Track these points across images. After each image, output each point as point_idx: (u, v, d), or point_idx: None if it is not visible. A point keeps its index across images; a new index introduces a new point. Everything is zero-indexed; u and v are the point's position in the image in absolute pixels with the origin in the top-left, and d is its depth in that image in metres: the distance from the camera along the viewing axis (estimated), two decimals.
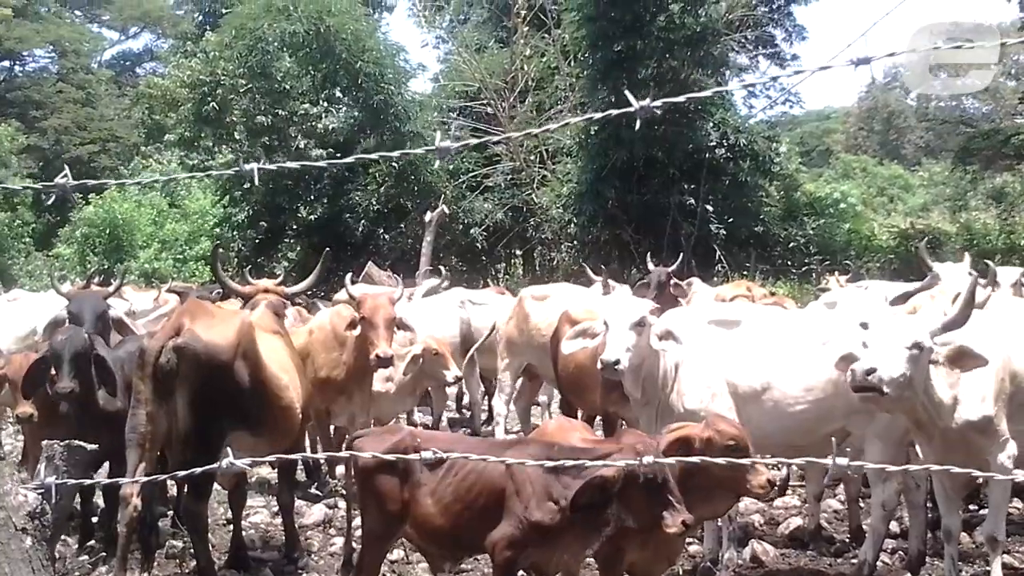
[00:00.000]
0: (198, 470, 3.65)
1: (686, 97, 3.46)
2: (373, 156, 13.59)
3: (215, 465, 3.39)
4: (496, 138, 19.03)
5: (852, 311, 6.83)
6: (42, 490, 3.48)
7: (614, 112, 3.28)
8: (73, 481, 3.77)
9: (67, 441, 3.90)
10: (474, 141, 9.63)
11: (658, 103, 3.09)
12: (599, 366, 6.47)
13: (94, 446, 4.39)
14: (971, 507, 8.11)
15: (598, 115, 3.66)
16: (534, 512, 4.71)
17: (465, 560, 6.10)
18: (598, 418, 9.09)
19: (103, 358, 7.12)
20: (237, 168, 3.33)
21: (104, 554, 7.24)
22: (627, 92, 3.16)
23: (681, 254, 17.87)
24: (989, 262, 8.36)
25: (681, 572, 6.80)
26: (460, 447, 4.93)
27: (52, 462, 3.63)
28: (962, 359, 5.45)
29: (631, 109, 3.08)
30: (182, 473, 4.06)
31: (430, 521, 4.95)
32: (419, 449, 4.69)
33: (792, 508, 8.39)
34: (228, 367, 6.45)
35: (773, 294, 16.71)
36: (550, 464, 3.90)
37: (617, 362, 6.27)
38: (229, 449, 3.54)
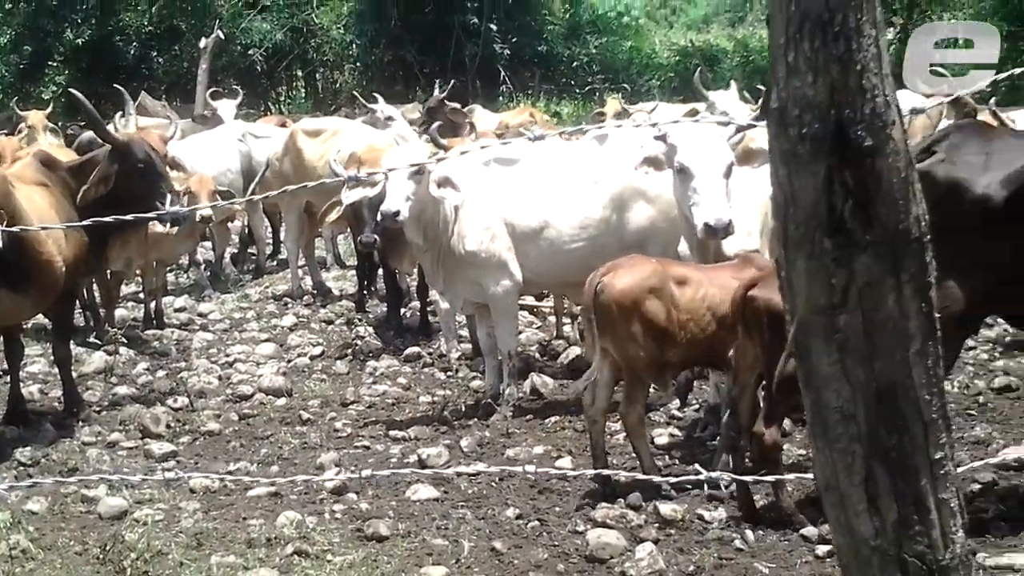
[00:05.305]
0: None
1: None
2: None
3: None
4: None
5: (622, 145, 6.97)
6: None
7: None
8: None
9: None
10: None
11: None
12: (379, 217, 6.47)
13: None
14: None
15: None
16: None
17: None
18: None
19: None
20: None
21: None
22: None
23: (459, 77, 17.69)
24: (763, 86, 8.62)
25: (464, 407, 7.02)
26: (707, 274, 5.30)
27: None
28: (750, 156, 5.89)
29: None
30: None
31: (692, 337, 5.15)
32: (674, 278, 5.16)
33: (571, 338, 8.53)
34: None
35: (557, 115, 16.94)
36: None
37: (397, 213, 6.26)
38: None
